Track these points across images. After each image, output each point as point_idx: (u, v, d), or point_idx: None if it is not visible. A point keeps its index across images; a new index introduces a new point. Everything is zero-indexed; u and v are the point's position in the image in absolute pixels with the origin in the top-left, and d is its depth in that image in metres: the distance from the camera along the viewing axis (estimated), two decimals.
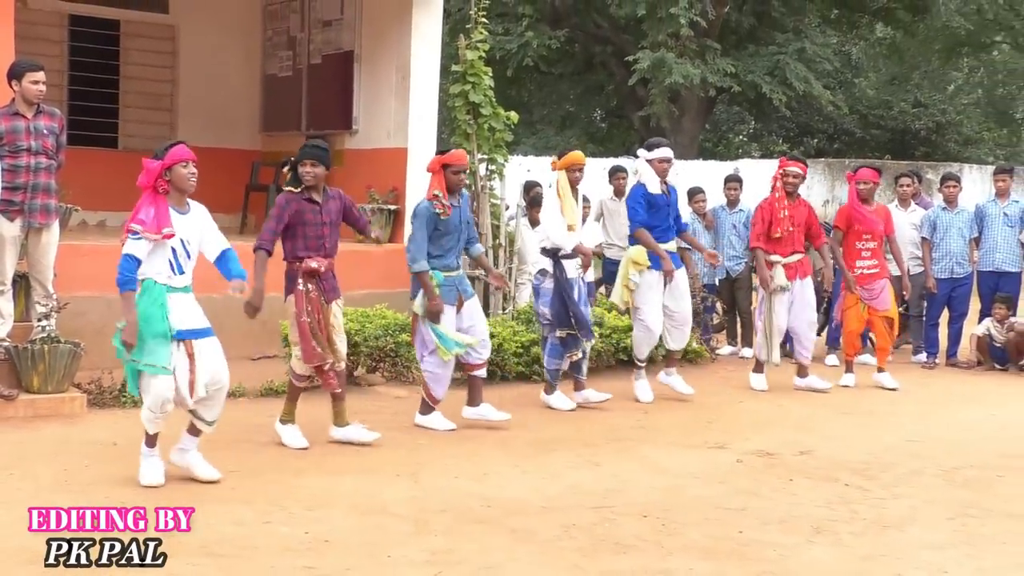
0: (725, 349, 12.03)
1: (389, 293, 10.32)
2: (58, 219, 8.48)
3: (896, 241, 10.95)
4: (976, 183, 22.06)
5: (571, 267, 8.72)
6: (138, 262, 6.10)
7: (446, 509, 6.05)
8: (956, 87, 32.90)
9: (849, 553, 5.57)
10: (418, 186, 11.44)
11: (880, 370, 10.34)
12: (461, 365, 8.28)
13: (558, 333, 8.72)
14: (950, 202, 11.73)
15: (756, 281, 10.25)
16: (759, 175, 17.26)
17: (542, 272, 8.77)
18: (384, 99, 11.88)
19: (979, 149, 31.81)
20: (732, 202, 12.03)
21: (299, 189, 7.21)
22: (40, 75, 8.15)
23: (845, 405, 9.49)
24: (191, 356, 6.20)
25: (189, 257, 6.30)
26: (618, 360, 10.26)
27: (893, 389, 10.12)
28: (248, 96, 14.11)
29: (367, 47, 12.22)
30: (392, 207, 11.40)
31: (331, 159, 7.45)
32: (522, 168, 16.32)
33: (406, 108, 11.56)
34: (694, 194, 12.08)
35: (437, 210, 7.83)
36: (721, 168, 18.01)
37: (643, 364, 9.41)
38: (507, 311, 10.42)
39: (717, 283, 11.97)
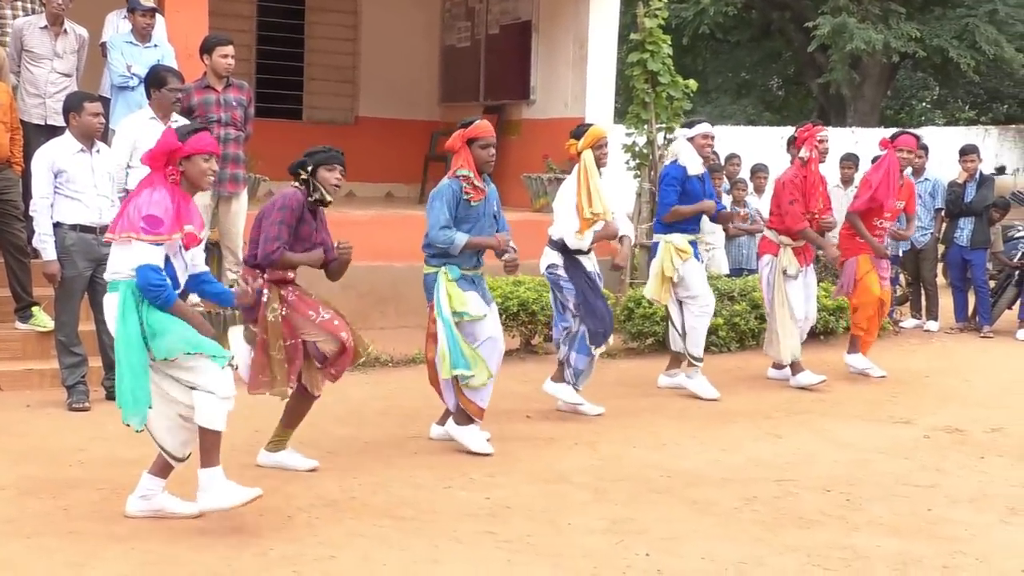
0: (909, 322, 11.67)
1: None
2: (246, 188, 8.77)
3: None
4: None
5: (587, 262, 7.53)
6: None
7: (625, 479, 6.05)
8: None
9: None
10: None
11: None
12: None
13: (589, 326, 7.45)
14: None
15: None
16: (944, 143, 16.63)
17: (552, 266, 7.49)
18: (561, 69, 11.89)
19: None
20: (917, 171, 11.62)
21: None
22: (230, 49, 8.44)
23: None
24: None
25: None
26: None
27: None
28: (427, 68, 14.29)
29: (544, 17, 12.21)
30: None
31: None
32: None
33: (583, 78, 11.55)
34: None
35: (467, 195, 6.44)
36: None
37: (701, 361, 8.28)
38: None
39: (901, 255, 11.60)
